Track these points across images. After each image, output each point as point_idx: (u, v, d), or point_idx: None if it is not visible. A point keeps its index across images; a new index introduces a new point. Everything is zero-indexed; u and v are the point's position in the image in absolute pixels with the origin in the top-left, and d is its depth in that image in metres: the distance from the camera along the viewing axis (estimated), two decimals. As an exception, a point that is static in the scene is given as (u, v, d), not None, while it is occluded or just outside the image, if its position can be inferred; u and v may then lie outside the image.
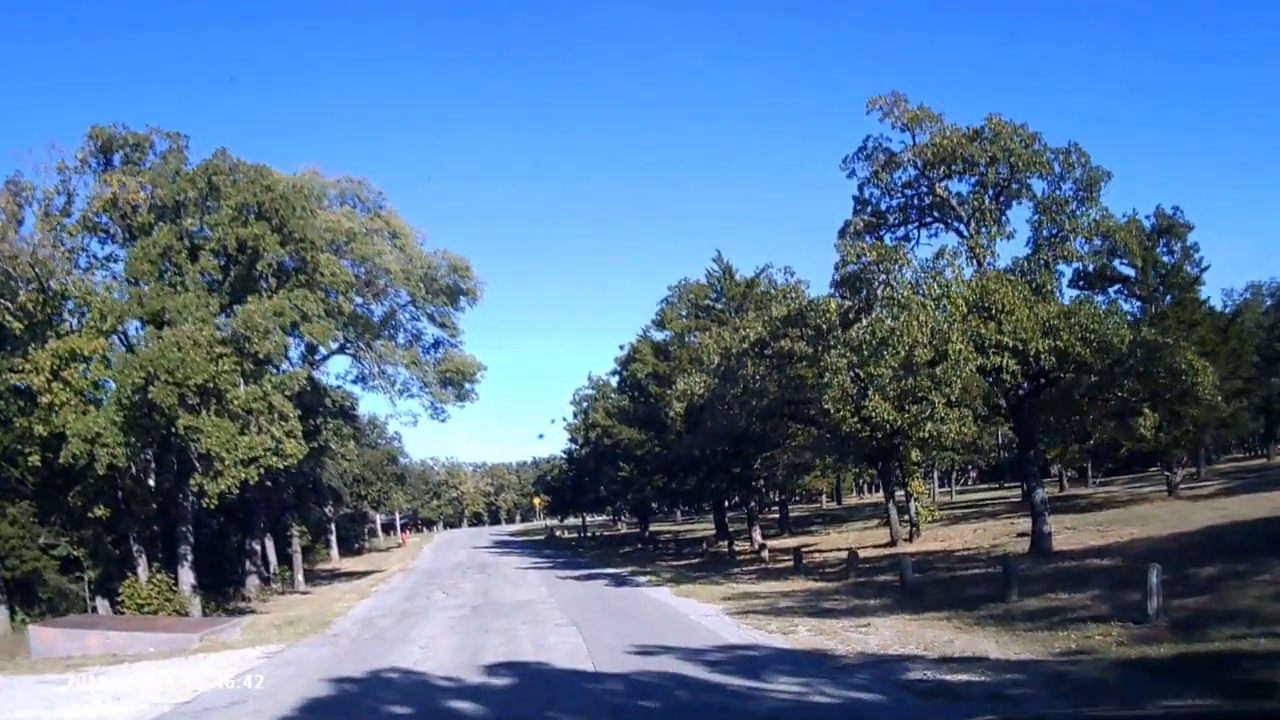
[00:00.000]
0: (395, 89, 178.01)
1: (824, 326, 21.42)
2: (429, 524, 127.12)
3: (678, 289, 46.75)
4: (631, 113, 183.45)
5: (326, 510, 63.45)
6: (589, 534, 69.05)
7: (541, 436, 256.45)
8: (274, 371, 22.68)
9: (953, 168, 24.27)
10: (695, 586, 24.19)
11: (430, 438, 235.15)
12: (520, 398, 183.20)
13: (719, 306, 40.81)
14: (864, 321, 20.74)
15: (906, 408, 28.67)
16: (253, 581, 36.45)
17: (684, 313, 44.09)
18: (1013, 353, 20.63)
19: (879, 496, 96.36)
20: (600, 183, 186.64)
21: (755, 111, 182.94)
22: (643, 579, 27.84)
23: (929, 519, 33.05)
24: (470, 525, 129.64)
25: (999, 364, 20.57)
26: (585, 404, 53.74)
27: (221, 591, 34.64)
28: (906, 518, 33.37)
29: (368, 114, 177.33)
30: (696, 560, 37.60)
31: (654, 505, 64.46)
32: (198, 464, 22.32)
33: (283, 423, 21.78)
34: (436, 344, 37.93)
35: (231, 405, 21.10)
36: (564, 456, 68.73)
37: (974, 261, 23.52)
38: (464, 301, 36.59)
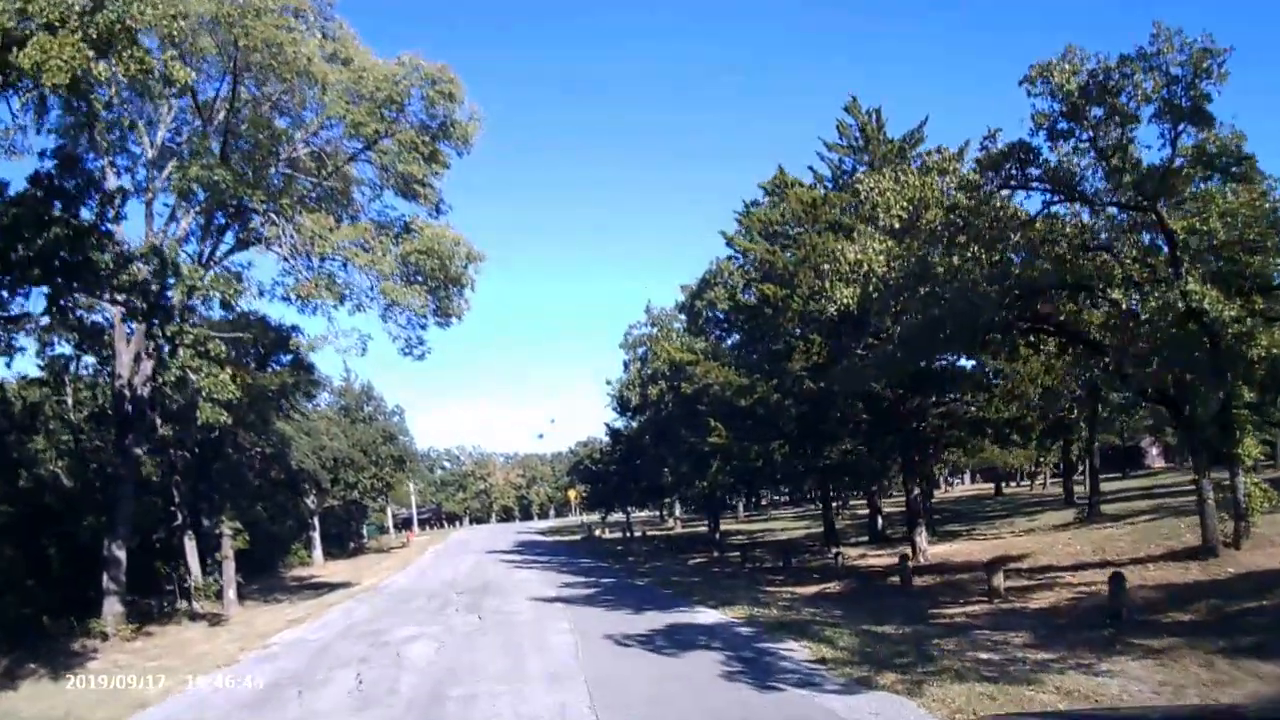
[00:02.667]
0: None
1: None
2: (453, 519, 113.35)
3: (776, 182, 31.52)
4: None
5: (309, 502, 50.02)
6: (638, 534, 53.63)
7: (541, 436, 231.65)
8: None
9: None
10: (958, 691, 8.98)
11: (453, 426, 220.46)
12: (553, 381, 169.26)
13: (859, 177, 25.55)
14: None
15: (1249, 298, 16.39)
16: (112, 608, 22.18)
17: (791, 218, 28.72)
18: None
19: (971, 486, 76.87)
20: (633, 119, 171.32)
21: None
22: (800, 652, 12.32)
23: (1263, 507, 17.71)
24: (499, 520, 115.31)
25: None
26: (642, 349, 38.28)
27: (71, 621, 21.28)
28: (1230, 497, 17.96)
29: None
30: (833, 587, 22.51)
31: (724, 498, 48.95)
32: None
33: None
34: (408, 228, 23.46)
35: None
36: (606, 438, 53.53)
37: None
38: (448, 147, 21.97)
